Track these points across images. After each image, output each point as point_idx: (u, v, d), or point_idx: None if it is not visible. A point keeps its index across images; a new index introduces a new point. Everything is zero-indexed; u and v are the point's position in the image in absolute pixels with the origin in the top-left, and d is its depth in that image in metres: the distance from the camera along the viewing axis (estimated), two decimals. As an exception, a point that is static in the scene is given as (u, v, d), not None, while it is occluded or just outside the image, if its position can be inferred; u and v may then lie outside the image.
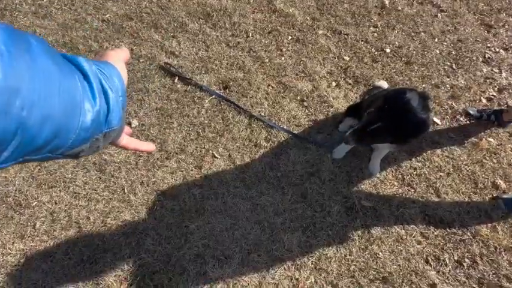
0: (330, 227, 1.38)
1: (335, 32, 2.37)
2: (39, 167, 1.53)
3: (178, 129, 1.66)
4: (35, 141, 0.25)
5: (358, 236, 1.36)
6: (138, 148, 0.47)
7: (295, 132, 1.71)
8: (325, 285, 1.26)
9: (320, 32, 2.36)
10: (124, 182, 1.48)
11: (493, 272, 1.31)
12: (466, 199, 1.52)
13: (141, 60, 1.99)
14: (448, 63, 2.25)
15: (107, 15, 2.23)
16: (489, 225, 1.44)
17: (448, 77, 2.16)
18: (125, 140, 0.44)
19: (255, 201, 1.44)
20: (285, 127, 1.72)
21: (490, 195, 1.54)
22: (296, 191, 1.48)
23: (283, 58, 2.14)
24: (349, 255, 1.31)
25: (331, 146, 1.63)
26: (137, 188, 1.46)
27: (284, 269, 1.29)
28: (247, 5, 2.50)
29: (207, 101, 1.80)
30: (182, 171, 1.51)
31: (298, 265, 1.29)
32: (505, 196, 1.52)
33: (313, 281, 1.27)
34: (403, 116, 1.05)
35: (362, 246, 1.34)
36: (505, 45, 2.37)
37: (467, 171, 1.62)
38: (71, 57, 0.31)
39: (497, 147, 1.74)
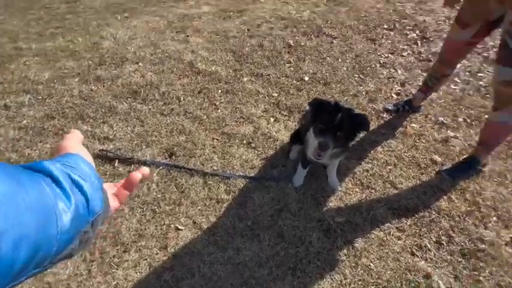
0: (316, 257, 1.34)
1: (257, 75, 2.62)
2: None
3: (131, 214, 1.51)
4: (14, 267, 0.24)
5: (345, 254, 1.34)
6: (132, 189, 0.46)
7: (252, 175, 1.71)
8: (334, 323, 1.16)
9: (245, 79, 2.58)
10: (78, 300, 1.23)
11: (468, 239, 1.39)
12: (418, 182, 1.67)
13: (72, 156, 1.85)
14: (356, 75, 2.64)
15: (24, 122, 2.09)
16: (445, 197, 1.57)
17: (361, 86, 2.51)
18: (112, 204, 0.42)
19: (235, 260, 1.33)
20: (240, 173, 1.72)
21: (434, 171, 1.72)
22: (272, 233, 1.43)
23: (219, 111, 2.24)
24: (345, 279, 1.26)
25: (289, 176, 1.67)
26: (97, 301, 1.23)
27: (288, 324, 1.16)
28: (171, 74, 2.63)
29: (155, 174, 1.72)
30: (146, 259, 1.34)
31: (300, 313, 1.18)
32: (444, 168, 1.71)
33: (321, 324, 1.16)
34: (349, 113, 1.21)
35: (353, 264, 1.31)
36: (390, 51, 2.91)
37: (408, 157, 1.81)
38: (33, 165, 0.31)
39: (420, 129, 2.00)
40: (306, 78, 2.58)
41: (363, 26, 3.33)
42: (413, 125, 2.04)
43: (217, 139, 1.98)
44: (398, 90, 2.42)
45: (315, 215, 1.50)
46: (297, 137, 1.71)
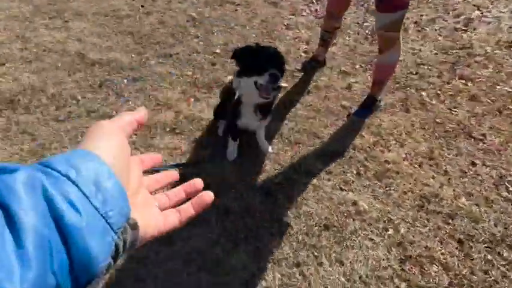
0: (262, 220, 1.40)
1: (166, 56, 2.39)
2: None
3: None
4: None
5: (287, 208, 1.44)
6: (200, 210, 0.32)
7: (184, 161, 1.63)
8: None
9: (152, 62, 2.33)
10: None
11: (378, 163, 1.66)
12: (335, 128, 1.87)
13: None
14: (266, 40, 2.68)
15: None
16: (357, 135, 1.82)
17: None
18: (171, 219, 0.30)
19: (185, 250, 1.28)
20: (171, 163, 1.61)
21: (346, 115, 1.95)
22: (217, 211, 1.42)
23: (130, 103, 1.99)
24: (291, 229, 1.37)
25: (222, 152, 1.64)
26: None
27: (251, 288, 1.23)
28: (58, 71, 2.17)
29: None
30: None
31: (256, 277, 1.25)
32: (353, 111, 1.95)
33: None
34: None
35: (295, 215, 1.43)
36: (292, 12, 3.03)
37: (323, 107, 1.99)
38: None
39: (328, 81, 2.21)
40: (218, 51, 2.49)
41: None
42: (323, 78, 2.24)
43: (135, 134, 1.77)
44: (305, 48, 2.58)
45: (255, 182, 1.54)
46: (222, 112, 1.67)
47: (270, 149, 1.69)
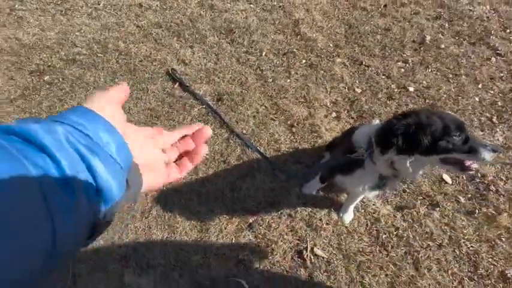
0: (268, 266, 1.23)
1: (355, 61, 2.21)
2: None
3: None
4: None
5: None
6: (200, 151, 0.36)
7: (269, 156, 1.61)
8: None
9: (338, 60, 2.23)
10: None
11: None
12: (455, 284, 1.19)
13: (154, 63, 2.16)
14: (488, 115, 1.88)
15: (142, 22, 2.51)
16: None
17: (482, 131, 1.79)
18: (160, 177, 0.33)
19: (202, 218, 1.37)
20: (262, 149, 1.63)
21: (493, 289, 1.18)
22: (246, 220, 1.37)
23: (288, 80, 2.08)
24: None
25: (304, 179, 1.48)
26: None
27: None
28: (272, 26, 2.53)
29: (196, 109, 1.84)
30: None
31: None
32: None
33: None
34: None
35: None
36: None
37: (469, 249, 1.28)
38: (21, 130, 0.20)
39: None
40: (411, 89, 2.01)
41: (559, 54, 2.21)
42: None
43: (265, 106, 1.89)
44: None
45: (300, 232, 1.33)
46: (335, 148, 1.43)
47: (347, 222, 1.35)
